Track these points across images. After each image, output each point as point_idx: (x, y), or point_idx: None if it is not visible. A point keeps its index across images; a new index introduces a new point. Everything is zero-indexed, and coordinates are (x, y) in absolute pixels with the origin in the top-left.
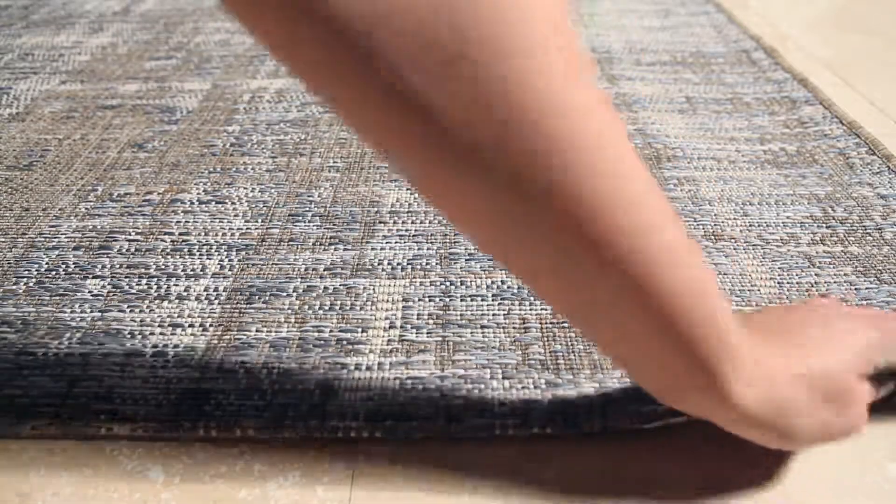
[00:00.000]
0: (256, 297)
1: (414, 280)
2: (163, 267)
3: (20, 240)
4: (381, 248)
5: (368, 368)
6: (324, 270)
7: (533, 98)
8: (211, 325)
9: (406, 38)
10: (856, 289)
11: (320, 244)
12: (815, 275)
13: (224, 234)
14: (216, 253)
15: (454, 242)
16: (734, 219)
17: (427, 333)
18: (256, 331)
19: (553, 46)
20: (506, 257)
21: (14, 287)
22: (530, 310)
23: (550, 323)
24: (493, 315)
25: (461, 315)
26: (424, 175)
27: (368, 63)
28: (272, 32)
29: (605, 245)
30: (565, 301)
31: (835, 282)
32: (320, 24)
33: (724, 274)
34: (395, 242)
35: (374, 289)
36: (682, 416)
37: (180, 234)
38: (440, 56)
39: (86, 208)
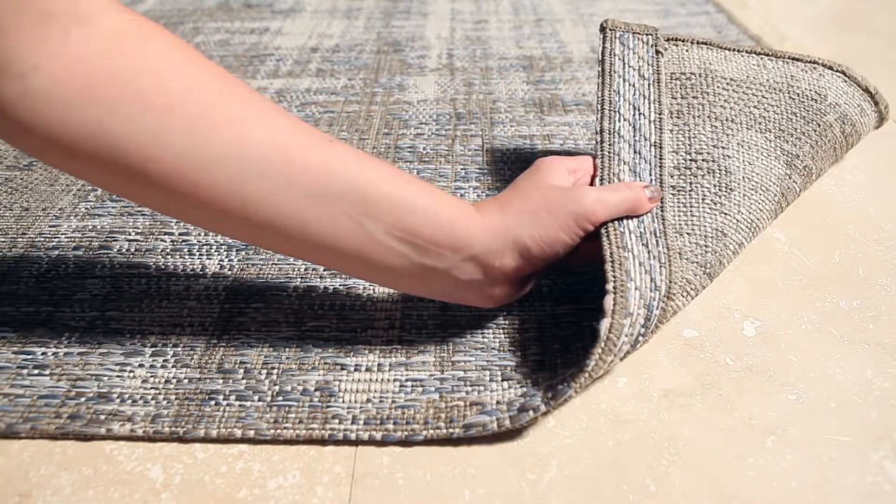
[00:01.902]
0: (256, 297)
1: None
2: (163, 267)
3: (20, 240)
4: None
5: (368, 369)
6: (324, 270)
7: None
8: (211, 325)
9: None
10: None
11: None
12: None
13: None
14: (216, 253)
15: None
16: None
17: (426, 334)
18: (256, 331)
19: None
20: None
21: (14, 287)
22: (529, 310)
23: (549, 323)
24: (493, 316)
25: (460, 316)
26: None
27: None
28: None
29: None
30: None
31: None
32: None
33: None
34: None
35: (373, 289)
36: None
37: (180, 234)
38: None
39: (86, 208)
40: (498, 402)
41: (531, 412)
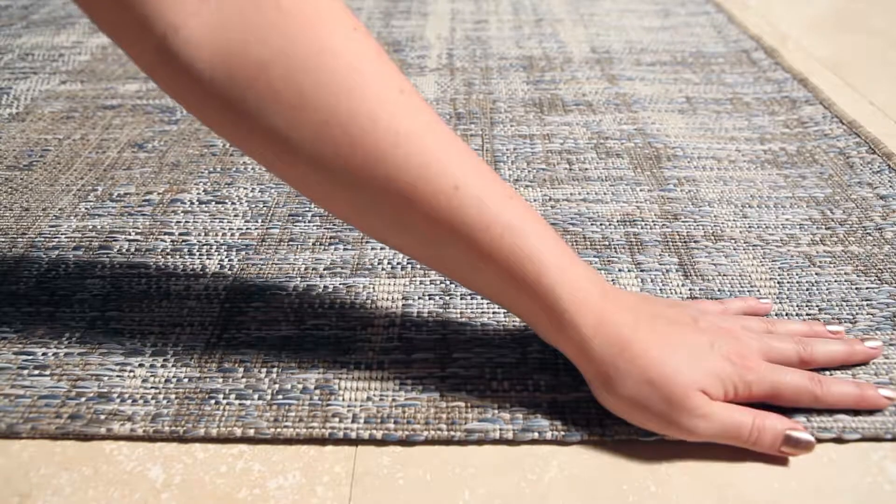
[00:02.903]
0: (256, 296)
1: (414, 279)
2: (163, 267)
3: (20, 240)
4: (381, 248)
5: (368, 367)
6: (323, 270)
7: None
8: (211, 325)
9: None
10: (856, 288)
11: (320, 244)
12: (816, 274)
13: (224, 234)
14: (216, 253)
15: None
16: (734, 220)
17: (427, 332)
18: (256, 330)
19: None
20: (390, 242)
21: (14, 287)
22: None
23: None
24: (493, 313)
25: (461, 313)
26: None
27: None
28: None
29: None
30: (429, 263)
31: (835, 281)
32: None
33: (724, 275)
34: None
35: (373, 287)
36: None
37: (180, 234)
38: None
39: (86, 208)
40: (500, 408)
41: (536, 433)
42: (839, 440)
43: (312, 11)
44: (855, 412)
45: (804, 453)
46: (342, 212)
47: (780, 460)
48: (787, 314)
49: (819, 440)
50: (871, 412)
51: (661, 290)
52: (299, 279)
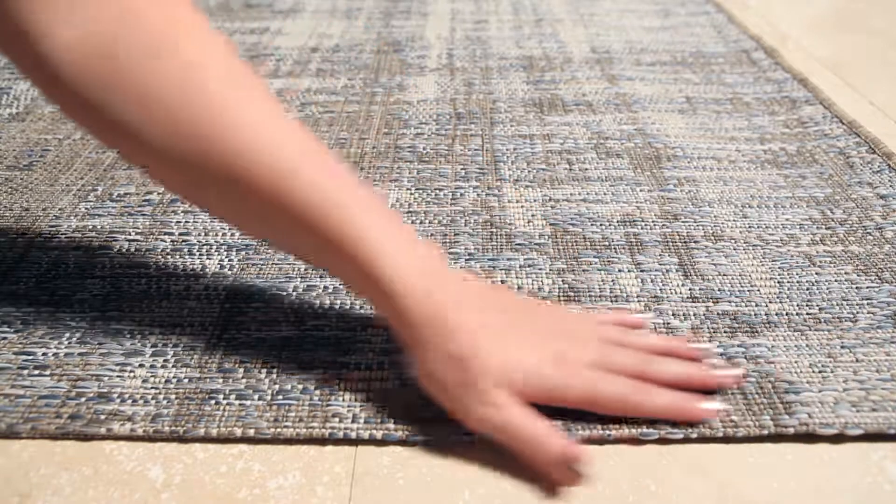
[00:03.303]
0: (256, 296)
1: None
2: (163, 267)
3: (20, 240)
4: None
5: (368, 368)
6: (323, 270)
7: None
8: (211, 325)
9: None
10: (857, 287)
11: None
12: (816, 274)
13: (224, 234)
14: (216, 253)
15: (454, 242)
16: (734, 220)
17: None
18: (256, 330)
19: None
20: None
21: (14, 287)
22: None
23: None
24: None
25: None
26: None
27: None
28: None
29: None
30: (261, 235)
31: (836, 280)
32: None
33: (724, 274)
34: None
35: None
36: (680, 430)
37: (180, 234)
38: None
39: (86, 208)
40: None
41: None
42: (840, 436)
43: (166, 21)
44: (857, 409)
45: (571, 483)
46: (180, 190)
47: (780, 460)
48: (787, 314)
49: (820, 437)
50: (873, 408)
51: (661, 290)
52: (299, 279)
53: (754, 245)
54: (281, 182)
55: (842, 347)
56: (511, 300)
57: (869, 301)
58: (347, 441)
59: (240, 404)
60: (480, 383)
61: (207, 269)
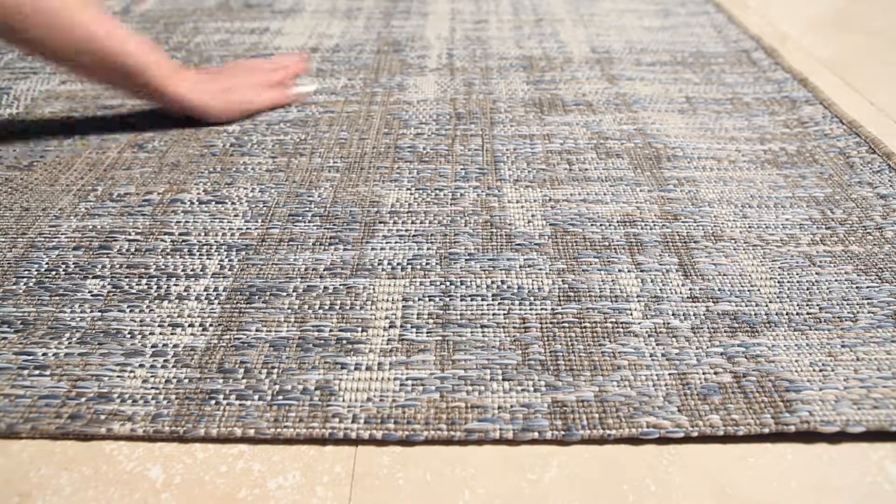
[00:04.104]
0: (256, 297)
1: (414, 280)
2: (163, 267)
3: (20, 240)
4: (381, 248)
5: (368, 368)
6: (324, 270)
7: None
8: (211, 325)
9: None
10: (857, 287)
11: (320, 244)
12: (816, 274)
13: (224, 234)
14: (216, 253)
15: (454, 242)
16: (734, 220)
17: (427, 333)
18: (256, 331)
19: None
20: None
21: (14, 287)
22: (530, 309)
23: (550, 323)
24: (493, 314)
25: (461, 315)
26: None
27: None
28: None
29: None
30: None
31: (836, 280)
32: None
33: (724, 274)
34: (395, 242)
35: (373, 288)
36: (680, 431)
37: (180, 234)
38: None
39: (86, 208)
40: (500, 408)
41: (536, 433)
42: (840, 436)
43: None
44: (858, 407)
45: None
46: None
47: (780, 459)
48: (787, 313)
49: (819, 437)
50: (874, 405)
51: (661, 290)
52: (299, 280)
53: (754, 245)
54: (105, 50)
55: (842, 346)
56: (223, 70)
57: (869, 301)
58: (347, 441)
59: (240, 404)
60: (235, 89)
61: (207, 269)
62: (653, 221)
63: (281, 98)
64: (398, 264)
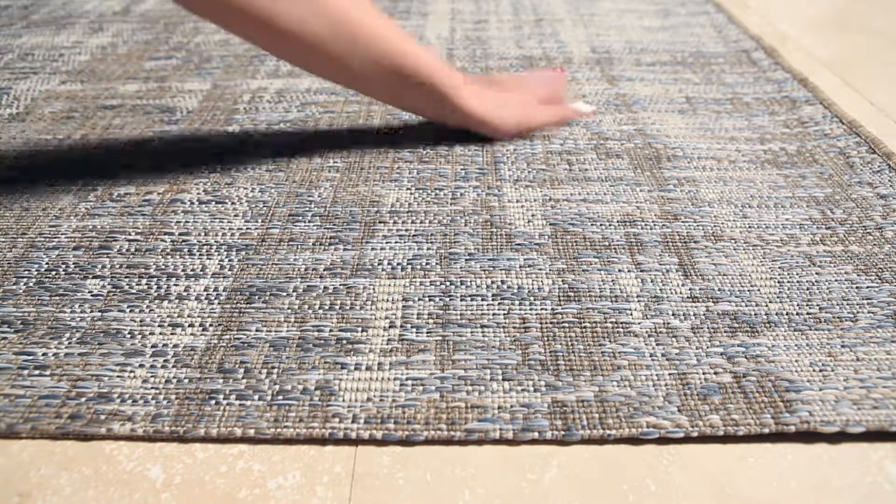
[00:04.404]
0: (256, 296)
1: (414, 280)
2: (163, 267)
3: (20, 240)
4: (381, 248)
5: (368, 368)
6: (324, 270)
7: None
8: (211, 325)
9: None
10: (857, 287)
11: (320, 244)
12: (816, 274)
13: (224, 234)
14: (216, 253)
15: (454, 242)
16: (734, 220)
17: (427, 333)
18: (256, 331)
19: None
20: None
21: (14, 287)
22: (530, 309)
23: (550, 323)
24: (493, 314)
25: (461, 315)
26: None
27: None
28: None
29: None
30: (353, 83)
31: (836, 280)
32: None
33: (724, 274)
34: (395, 242)
35: (373, 288)
36: (680, 431)
37: (180, 234)
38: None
39: (86, 208)
40: (500, 408)
41: (536, 433)
42: (840, 436)
43: None
44: (858, 407)
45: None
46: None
47: (780, 459)
48: (787, 313)
49: (819, 437)
50: (874, 406)
51: (661, 290)
52: (299, 279)
53: (754, 245)
54: (393, 56)
55: (842, 346)
56: (494, 79)
57: (869, 301)
58: (347, 441)
59: (240, 404)
60: (510, 105)
61: (207, 269)
62: (653, 221)
63: (560, 115)
64: (398, 264)
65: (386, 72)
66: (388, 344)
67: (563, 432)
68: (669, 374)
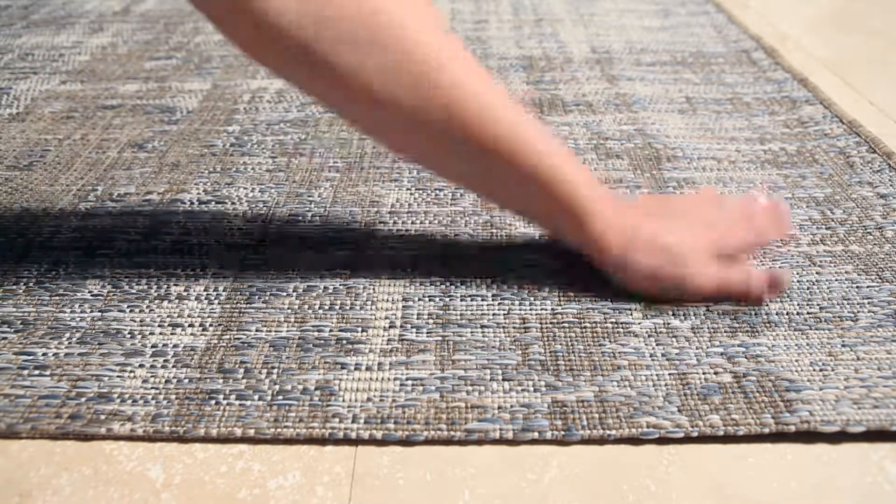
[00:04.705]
0: (256, 297)
1: (414, 280)
2: (163, 267)
3: (20, 240)
4: (381, 248)
5: (368, 368)
6: (324, 270)
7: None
8: (211, 325)
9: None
10: (857, 287)
11: (320, 244)
12: (816, 273)
13: (224, 234)
14: (216, 253)
15: (454, 242)
16: None
17: (427, 333)
18: (256, 331)
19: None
20: (429, 163)
21: (14, 287)
22: (530, 309)
23: (550, 323)
24: (493, 315)
25: (461, 315)
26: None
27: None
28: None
29: (481, 140)
30: (469, 181)
31: (836, 280)
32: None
33: None
34: (396, 242)
35: (373, 288)
36: (680, 431)
37: (180, 234)
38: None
39: (86, 208)
40: (500, 408)
41: (536, 433)
42: (840, 436)
43: None
44: (858, 406)
45: (784, 287)
46: (398, 144)
47: (780, 459)
48: (787, 313)
49: (820, 437)
50: (875, 405)
51: None
52: (299, 279)
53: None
54: (503, 141)
55: (842, 346)
56: (667, 202)
57: (869, 300)
58: (347, 441)
59: (240, 404)
60: (692, 261)
61: (207, 269)
62: None
63: (755, 286)
64: (398, 264)
65: (514, 177)
66: (388, 344)
67: (563, 432)
68: (669, 374)
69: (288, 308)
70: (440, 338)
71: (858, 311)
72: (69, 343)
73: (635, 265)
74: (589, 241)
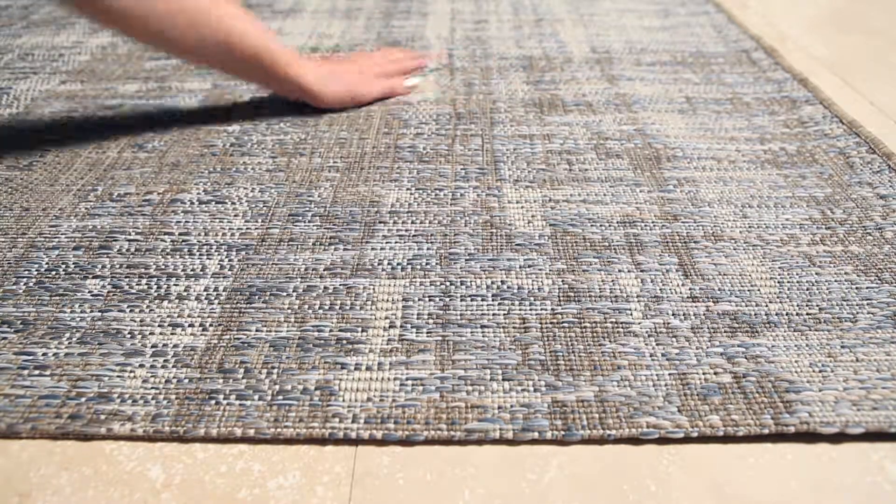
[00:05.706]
0: (256, 297)
1: (414, 280)
2: (163, 267)
3: (20, 240)
4: (381, 248)
5: (368, 368)
6: (324, 270)
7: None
8: (211, 325)
9: None
10: (857, 287)
11: (320, 244)
12: (816, 274)
13: (224, 234)
14: (216, 253)
15: (454, 242)
16: (734, 220)
17: (427, 333)
18: (256, 331)
19: None
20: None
21: (14, 287)
22: (530, 310)
23: (550, 323)
24: (493, 315)
25: (461, 315)
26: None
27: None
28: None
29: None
30: (213, 65)
31: (836, 280)
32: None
33: (724, 274)
34: (395, 242)
35: (374, 288)
36: (680, 431)
37: (180, 234)
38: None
39: (86, 208)
40: (500, 408)
41: (536, 433)
42: (840, 436)
43: None
44: (857, 408)
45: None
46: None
47: (780, 459)
48: (787, 314)
49: (819, 437)
50: (874, 406)
51: (661, 290)
52: (299, 279)
53: (754, 245)
54: (238, 43)
55: (842, 347)
56: (344, 58)
57: (869, 301)
58: (347, 441)
59: (240, 404)
60: (361, 82)
61: (207, 269)
62: (653, 222)
63: (390, 88)
64: (398, 264)
65: (215, 47)
66: (388, 344)
67: (563, 432)
68: (669, 374)
69: (288, 308)
70: (440, 338)
71: (858, 312)
72: (69, 343)
73: (328, 93)
74: (297, 81)
